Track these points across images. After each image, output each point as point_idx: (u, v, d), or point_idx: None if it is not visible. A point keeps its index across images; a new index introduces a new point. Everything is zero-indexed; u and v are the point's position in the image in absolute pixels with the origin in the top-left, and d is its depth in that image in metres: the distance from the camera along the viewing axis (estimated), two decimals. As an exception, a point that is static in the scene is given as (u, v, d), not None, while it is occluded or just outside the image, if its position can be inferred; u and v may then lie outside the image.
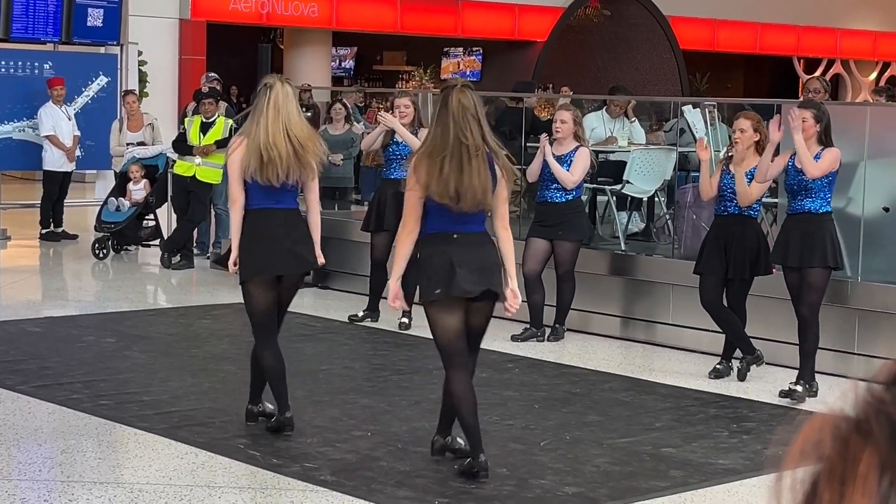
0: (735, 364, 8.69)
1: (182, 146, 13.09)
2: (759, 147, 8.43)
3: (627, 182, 11.40)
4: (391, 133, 10.10)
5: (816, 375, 8.22)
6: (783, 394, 8.19)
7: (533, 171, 9.87)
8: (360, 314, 10.35)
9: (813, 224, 8.05)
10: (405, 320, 10.14)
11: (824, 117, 8.09)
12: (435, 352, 9.31)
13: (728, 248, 8.44)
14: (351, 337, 9.83)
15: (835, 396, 0.88)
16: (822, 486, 0.84)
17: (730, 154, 8.63)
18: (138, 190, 13.70)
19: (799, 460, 0.85)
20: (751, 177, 8.38)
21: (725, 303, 8.61)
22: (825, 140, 8.08)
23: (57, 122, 14.70)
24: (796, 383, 8.14)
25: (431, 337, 6.34)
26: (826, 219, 8.10)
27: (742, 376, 8.58)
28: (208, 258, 13.48)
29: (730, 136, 9.09)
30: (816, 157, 8.02)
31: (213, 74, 15.88)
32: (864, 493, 0.81)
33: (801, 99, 13.13)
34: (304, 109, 19.76)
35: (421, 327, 10.14)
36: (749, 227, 8.49)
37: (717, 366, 8.72)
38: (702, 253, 8.68)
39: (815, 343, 8.10)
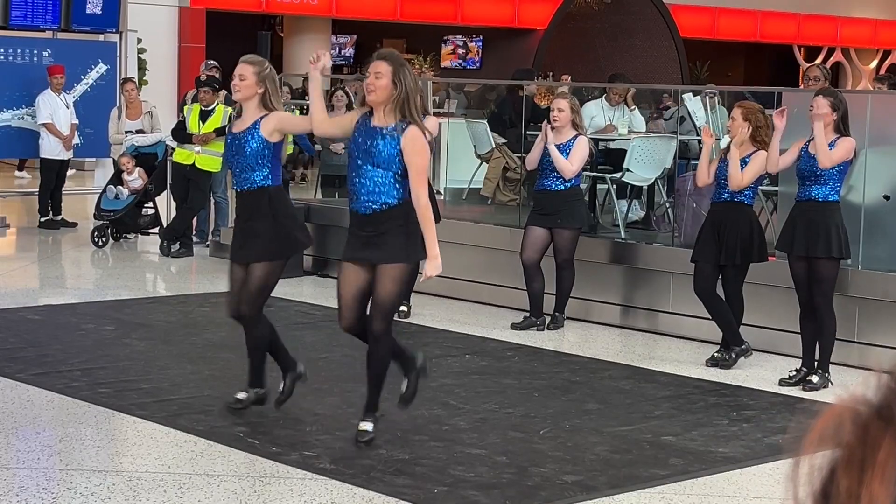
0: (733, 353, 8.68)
1: (181, 134, 13.07)
2: (755, 136, 8.45)
3: (627, 170, 11.38)
4: None
5: (815, 363, 8.22)
6: (783, 382, 8.19)
7: (532, 159, 9.84)
8: None
9: (818, 213, 8.04)
10: (403, 308, 10.15)
11: (841, 106, 8.07)
12: (433, 339, 9.32)
13: (721, 235, 8.46)
14: (350, 325, 9.80)
15: (854, 385, 0.87)
16: (840, 472, 0.82)
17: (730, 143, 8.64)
18: (134, 179, 13.68)
19: (817, 446, 0.83)
20: (743, 165, 8.40)
21: (722, 291, 8.60)
22: (843, 129, 8.07)
23: (54, 110, 14.67)
24: (812, 373, 8.13)
25: (399, 310, 6.38)
26: (833, 208, 8.07)
27: (727, 365, 8.57)
28: (207, 246, 13.47)
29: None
30: (831, 145, 8.01)
31: (212, 62, 15.83)
32: (883, 481, 0.80)
33: (802, 87, 13.11)
34: (304, 97, 19.71)
35: (419, 315, 10.14)
36: (742, 214, 8.49)
37: (715, 354, 8.71)
38: (697, 241, 8.70)
39: (832, 334, 8.08)
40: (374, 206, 6.34)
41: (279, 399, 6.98)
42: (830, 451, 0.83)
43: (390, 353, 6.54)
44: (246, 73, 6.88)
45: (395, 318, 10.01)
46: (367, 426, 6.55)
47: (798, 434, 0.85)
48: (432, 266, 6.36)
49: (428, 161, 6.42)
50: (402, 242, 6.35)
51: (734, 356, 8.60)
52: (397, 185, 6.32)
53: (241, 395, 7.03)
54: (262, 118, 6.86)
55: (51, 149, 14.68)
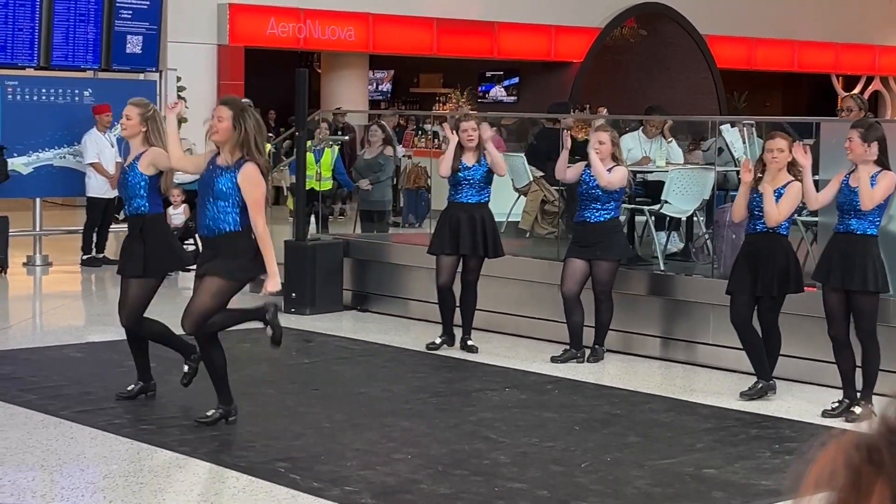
0: (773, 383, 8.63)
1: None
2: (790, 166, 8.40)
3: (666, 202, 11.38)
4: (459, 156, 10.08)
5: (858, 394, 8.17)
6: (826, 413, 8.14)
7: (560, 168, 9.89)
8: (438, 341, 10.27)
9: (855, 245, 8.00)
10: (437, 341, 10.17)
11: (871, 136, 7.98)
12: (473, 372, 9.32)
13: (757, 266, 8.41)
14: (389, 360, 9.83)
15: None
16: None
17: (758, 174, 8.55)
18: (177, 214, 13.77)
19: (814, 489, 0.85)
20: (778, 196, 8.34)
21: (757, 321, 8.56)
22: (883, 161, 8.01)
23: (101, 149, 14.80)
24: (856, 404, 8.08)
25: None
26: (870, 242, 8.03)
27: (747, 397, 8.52)
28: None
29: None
30: (872, 178, 7.94)
31: (246, 100, 15.93)
32: None
33: (839, 117, 13.06)
34: (338, 133, 19.87)
35: (460, 349, 10.14)
36: (778, 245, 8.44)
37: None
38: (733, 272, 8.66)
39: (875, 366, 8.04)
40: (212, 232, 7.36)
41: (184, 381, 8.08)
42: (826, 494, 0.84)
43: (220, 352, 7.48)
44: (131, 114, 8.06)
45: (432, 350, 10.08)
46: (209, 411, 7.52)
47: (796, 476, 0.87)
48: (272, 283, 7.27)
49: (263, 193, 7.28)
50: (228, 262, 7.26)
51: (759, 388, 8.55)
52: (233, 215, 7.28)
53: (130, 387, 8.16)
54: (141, 154, 8.00)
55: (98, 187, 14.82)
